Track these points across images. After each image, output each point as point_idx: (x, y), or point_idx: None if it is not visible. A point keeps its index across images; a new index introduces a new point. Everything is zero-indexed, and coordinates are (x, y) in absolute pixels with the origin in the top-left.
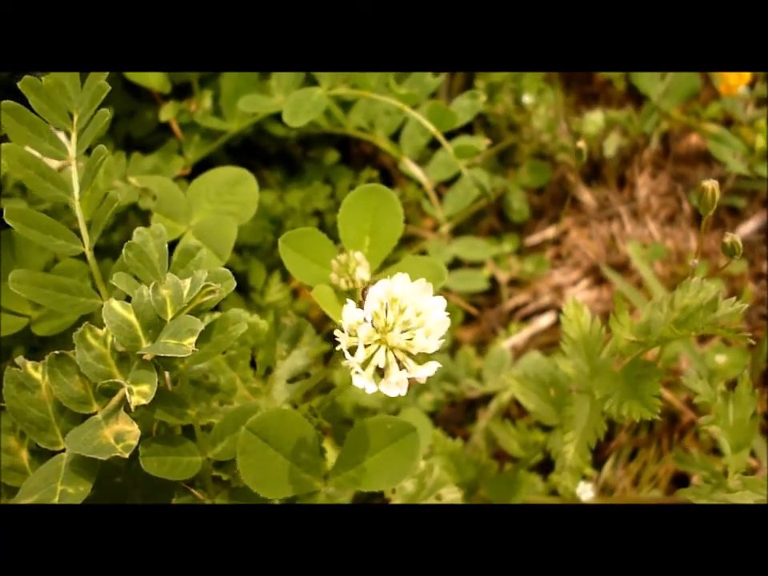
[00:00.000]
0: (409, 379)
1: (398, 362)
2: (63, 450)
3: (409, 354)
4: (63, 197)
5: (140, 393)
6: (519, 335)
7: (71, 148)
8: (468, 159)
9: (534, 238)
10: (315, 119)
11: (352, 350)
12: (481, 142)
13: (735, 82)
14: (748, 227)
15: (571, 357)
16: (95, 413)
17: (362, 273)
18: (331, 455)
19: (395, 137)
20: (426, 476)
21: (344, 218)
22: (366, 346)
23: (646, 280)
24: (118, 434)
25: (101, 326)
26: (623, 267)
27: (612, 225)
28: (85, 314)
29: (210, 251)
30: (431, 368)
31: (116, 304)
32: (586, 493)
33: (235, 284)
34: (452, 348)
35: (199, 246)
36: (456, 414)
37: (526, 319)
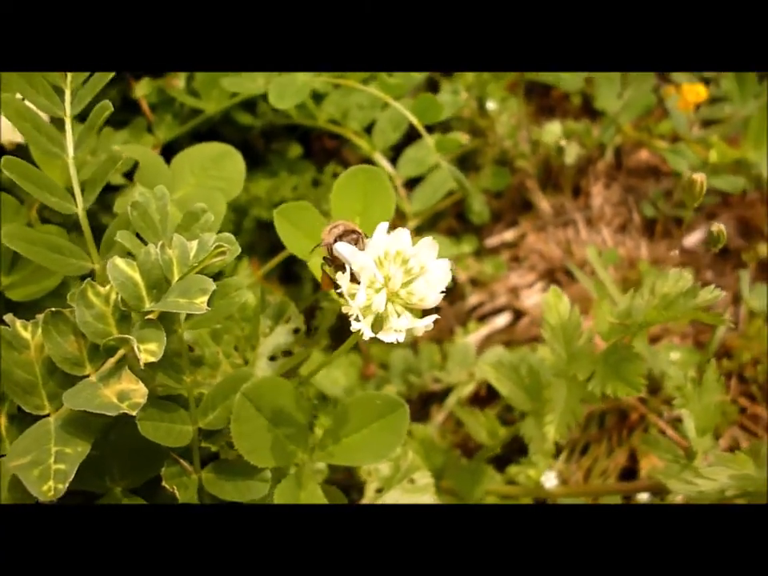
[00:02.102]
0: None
1: (397, 315)
2: (48, 415)
3: (407, 308)
4: (58, 153)
5: (147, 351)
6: (476, 334)
7: (67, 105)
8: (449, 153)
9: (492, 240)
10: (288, 110)
11: (352, 297)
12: (461, 137)
13: (693, 99)
14: (693, 238)
15: (550, 343)
16: (87, 375)
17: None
18: None
19: (366, 133)
20: (401, 460)
21: (336, 198)
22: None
23: (602, 281)
24: (122, 393)
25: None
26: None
27: (567, 231)
28: (72, 276)
29: None
30: (429, 320)
31: (120, 261)
32: (549, 480)
33: (239, 250)
34: (411, 345)
35: (205, 208)
36: (411, 410)
37: (483, 319)
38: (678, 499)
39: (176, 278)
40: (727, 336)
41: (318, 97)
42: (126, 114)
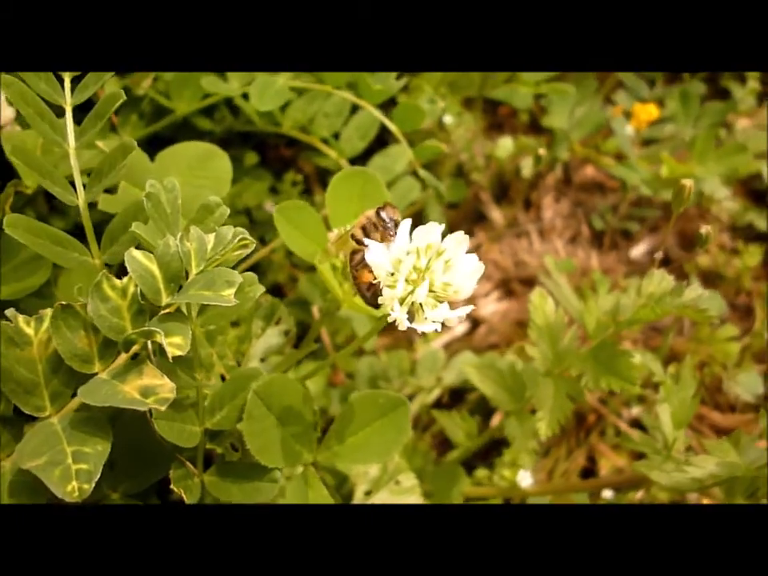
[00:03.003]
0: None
1: (431, 306)
2: (49, 417)
3: (438, 300)
4: (59, 142)
5: (173, 344)
6: (436, 342)
7: (67, 92)
8: (426, 160)
9: None
10: (251, 116)
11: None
12: (440, 144)
13: (645, 117)
14: (639, 249)
15: (537, 343)
16: (95, 373)
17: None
18: None
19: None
20: (388, 462)
21: (331, 199)
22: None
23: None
24: (146, 389)
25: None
26: (531, 281)
27: (521, 242)
28: (78, 270)
29: None
30: (465, 311)
31: (138, 253)
32: (525, 480)
33: (255, 245)
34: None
35: (219, 202)
36: None
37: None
38: (638, 497)
39: (194, 271)
40: (674, 341)
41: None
42: (86, 113)
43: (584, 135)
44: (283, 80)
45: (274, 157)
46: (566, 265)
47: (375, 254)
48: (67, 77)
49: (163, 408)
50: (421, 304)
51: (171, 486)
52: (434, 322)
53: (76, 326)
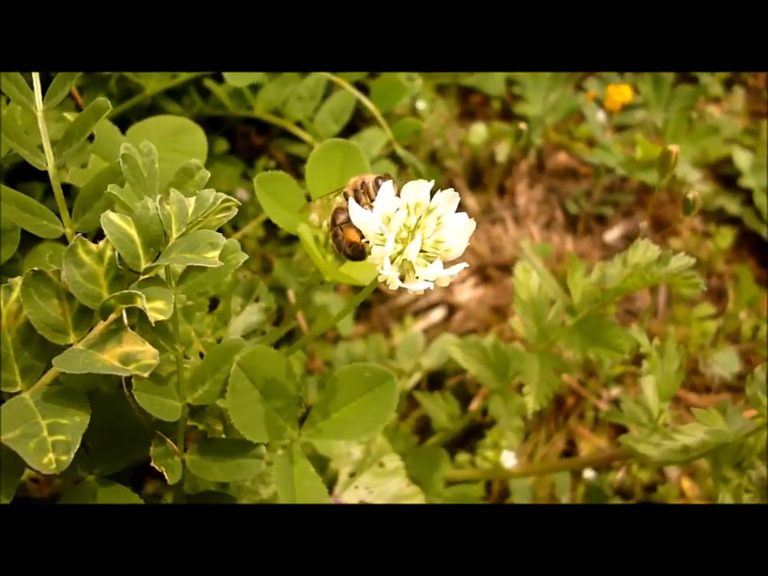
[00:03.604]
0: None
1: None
2: (20, 392)
3: (429, 260)
4: (26, 104)
5: (155, 309)
6: (413, 328)
7: None
8: (405, 139)
9: None
10: (222, 99)
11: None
12: (418, 121)
13: (619, 99)
14: (613, 234)
15: (521, 317)
16: (69, 345)
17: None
18: None
19: (300, 126)
20: (371, 443)
21: (312, 172)
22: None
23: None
24: (126, 356)
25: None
26: (507, 266)
27: (496, 228)
28: (50, 238)
29: None
30: (458, 269)
31: (115, 216)
32: (509, 460)
33: (236, 211)
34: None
35: (199, 165)
36: None
37: (418, 314)
38: (619, 477)
39: (174, 235)
40: (651, 324)
41: (253, 87)
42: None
43: (557, 121)
44: None
45: (245, 145)
46: (542, 250)
47: (364, 213)
48: None
49: (146, 375)
50: (412, 263)
51: (152, 464)
52: (426, 280)
53: (49, 293)
